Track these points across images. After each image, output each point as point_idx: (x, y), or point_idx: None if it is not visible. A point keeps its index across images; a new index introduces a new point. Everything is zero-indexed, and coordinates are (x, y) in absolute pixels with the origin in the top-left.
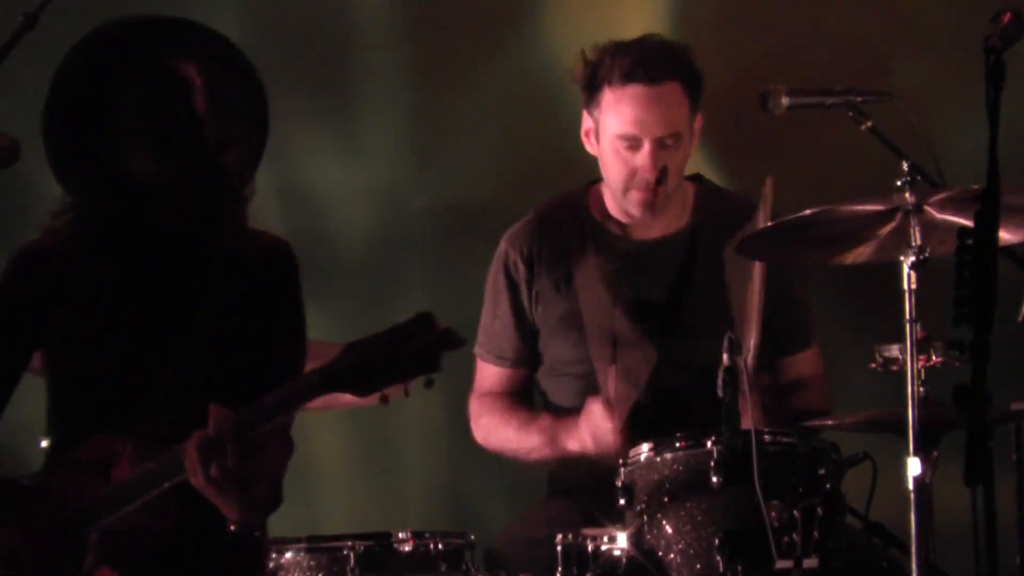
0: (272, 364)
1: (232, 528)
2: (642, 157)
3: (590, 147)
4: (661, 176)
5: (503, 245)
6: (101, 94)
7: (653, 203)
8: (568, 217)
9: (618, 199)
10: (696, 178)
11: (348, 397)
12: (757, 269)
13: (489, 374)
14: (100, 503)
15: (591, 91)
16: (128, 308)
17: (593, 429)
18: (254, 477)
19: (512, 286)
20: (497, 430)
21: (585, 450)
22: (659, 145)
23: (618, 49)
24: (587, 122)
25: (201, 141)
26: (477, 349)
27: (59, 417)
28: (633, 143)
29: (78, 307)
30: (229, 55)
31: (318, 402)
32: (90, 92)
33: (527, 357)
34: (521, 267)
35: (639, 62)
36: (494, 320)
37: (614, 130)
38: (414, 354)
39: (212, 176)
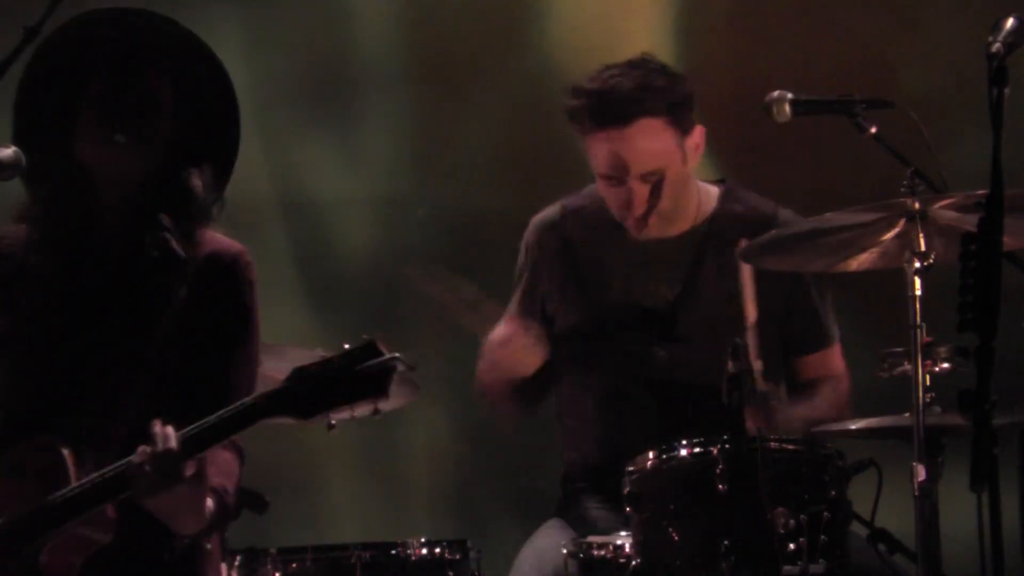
0: (220, 372)
1: (180, 542)
2: (628, 192)
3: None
4: (653, 203)
5: (531, 236)
6: (69, 82)
7: (647, 225)
8: (591, 211)
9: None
10: (721, 181)
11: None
12: (754, 273)
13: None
14: (41, 516)
15: (577, 129)
16: (69, 311)
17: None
18: (199, 493)
19: (533, 272)
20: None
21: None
22: (642, 180)
23: (587, 92)
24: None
25: (159, 133)
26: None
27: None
28: (616, 182)
29: (19, 308)
30: (205, 65)
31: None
32: (59, 77)
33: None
34: (548, 254)
35: (610, 104)
36: (520, 291)
37: (597, 171)
38: (361, 380)
39: (168, 177)
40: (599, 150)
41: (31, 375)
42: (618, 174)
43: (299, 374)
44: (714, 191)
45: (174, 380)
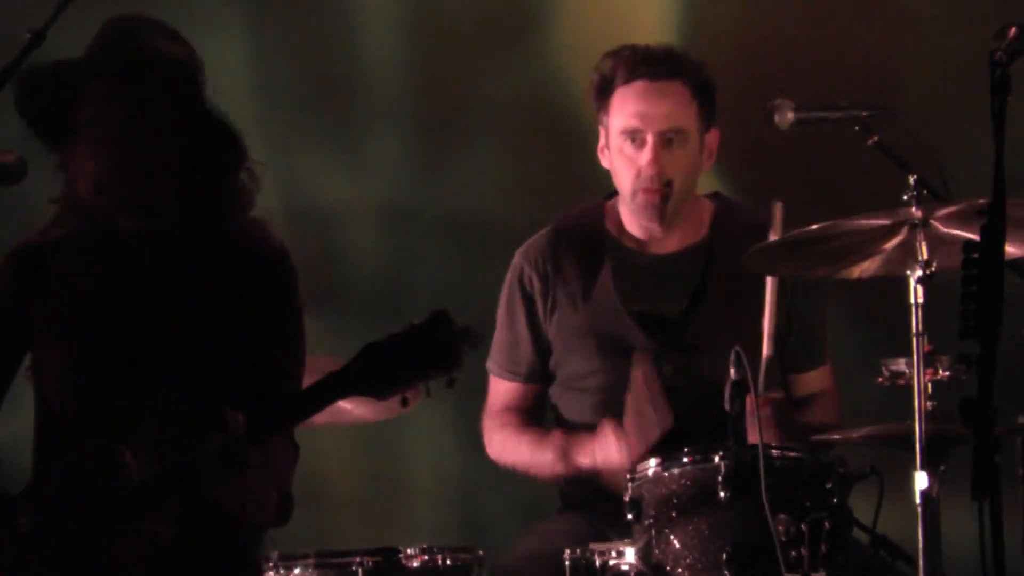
0: (267, 370)
1: (244, 534)
2: (645, 153)
3: (605, 162)
4: (668, 181)
5: (517, 259)
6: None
7: (661, 210)
8: (584, 231)
9: (630, 207)
10: (715, 195)
11: (360, 409)
12: (771, 285)
13: (502, 389)
14: (105, 514)
15: (603, 97)
16: (114, 308)
17: (605, 448)
18: (266, 482)
19: (527, 300)
20: (510, 446)
21: (596, 468)
22: (662, 141)
23: (624, 50)
24: (602, 137)
25: (167, 171)
26: (490, 365)
27: (46, 424)
28: (637, 138)
29: (62, 307)
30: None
31: (325, 415)
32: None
33: (540, 372)
34: (536, 282)
35: (644, 59)
36: (508, 335)
37: (619, 127)
38: (434, 353)
39: (198, 170)
40: (627, 103)
41: (81, 376)
42: (642, 125)
43: (368, 351)
44: (708, 205)
45: (221, 374)
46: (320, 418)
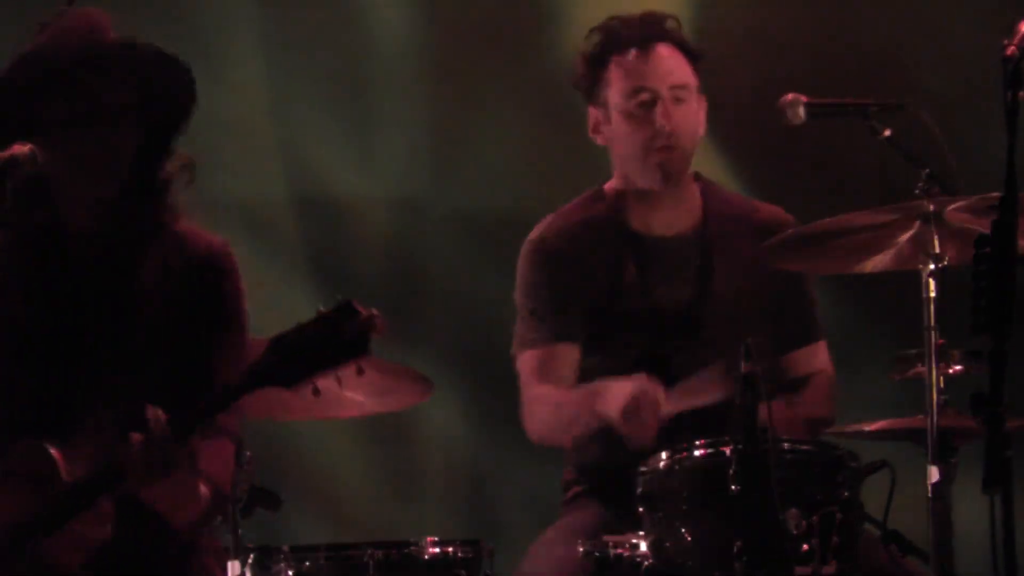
0: (205, 362)
1: (179, 534)
2: (658, 111)
3: (601, 139)
4: (678, 139)
5: (527, 247)
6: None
7: (671, 169)
8: (589, 215)
9: (640, 169)
10: (695, 176)
11: (280, 393)
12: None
13: (531, 359)
14: (38, 516)
15: (596, 73)
16: (48, 309)
17: (639, 398)
18: (192, 479)
19: (542, 275)
20: (540, 411)
21: (620, 419)
22: (673, 98)
23: (611, 25)
24: (594, 114)
25: (121, 166)
26: (515, 349)
27: None
28: (647, 99)
29: (4, 311)
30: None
31: (291, 413)
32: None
33: (566, 330)
34: (548, 266)
35: (637, 26)
36: (529, 303)
37: (626, 92)
38: (342, 341)
39: (139, 172)
40: (633, 68)
41: (14, 377)
42: (653, 83)
43: (277, 343)
44: (695, 186)
45: (161, 373)
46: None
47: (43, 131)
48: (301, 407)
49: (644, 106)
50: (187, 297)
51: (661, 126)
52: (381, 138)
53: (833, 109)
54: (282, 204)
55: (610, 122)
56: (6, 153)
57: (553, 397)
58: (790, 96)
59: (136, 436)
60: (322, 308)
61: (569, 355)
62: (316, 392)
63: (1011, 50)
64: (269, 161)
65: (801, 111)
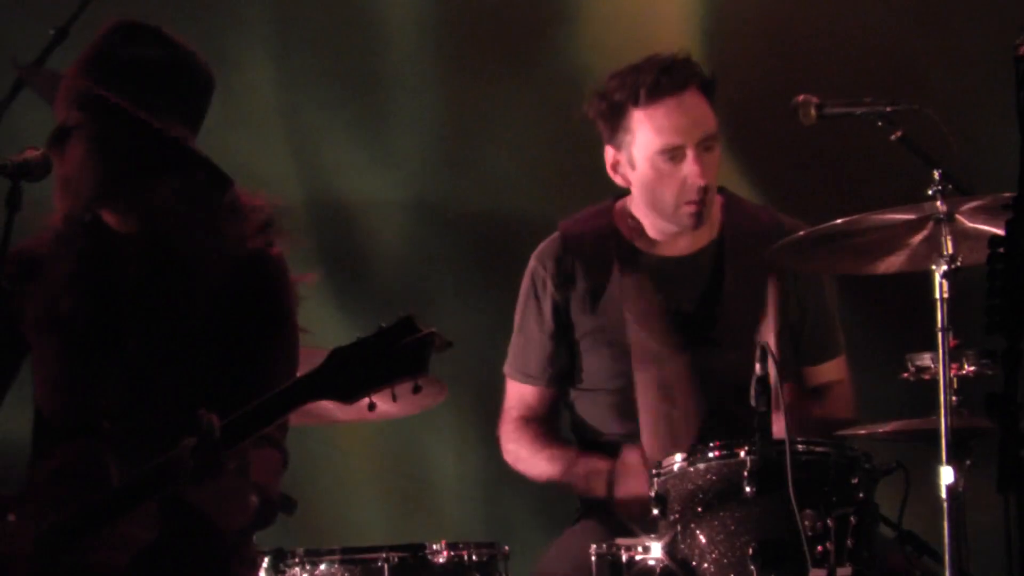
0: (256, 367)
1: (223, 536)
2: (688, 165)
3: (619, 179)
4: (706, 187)
5: (532, 263)
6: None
7: (704, 214)
8: (595, 233)
9: (665, 218)
10: (720, 190)
11: (333, 406)
12: (772, 281)
13: (517, 393)
14: (86, 516)
15: (615, 119)
16: (99, 308)
17: (626, 479)
18: (243, 485)
19: (540, 303)
20: (526, 458)
21: (612, 497)
22: (702, 149)
23: (633, 70)
24: (612, 155)
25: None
26: (506, 368)
27: (40, 423)
28: (676, 154)
29: (50, 307)
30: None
31: (307, 416)
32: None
33: (555, 376)
34: (549, 284)
35: (663, 73)
36: (522, 338)
37: (654, 147)
38: (399, 358)
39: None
40: (659, 121)
41: (58, 373)
42: (682, 140)
43: (336, 356)
44: (718, 199)
45: (210, 376)
46: (344, 414)
47: (76, 136)
48: (321, 412)
49: (674, 159)
50: (236, 299)
51: (694, 182)
52: (394, 139)
53: (845, 109)
54: (295, 206)
55: (634, 168)
56: (19, 157)
57: (543, 454)
58: (802, 97)
59: (188, 439)
60: (383, 324)
61: (554, 399)
62: (372, 407)
63: (1023, 50)
64: (282, 163)
65: (813, 111)
